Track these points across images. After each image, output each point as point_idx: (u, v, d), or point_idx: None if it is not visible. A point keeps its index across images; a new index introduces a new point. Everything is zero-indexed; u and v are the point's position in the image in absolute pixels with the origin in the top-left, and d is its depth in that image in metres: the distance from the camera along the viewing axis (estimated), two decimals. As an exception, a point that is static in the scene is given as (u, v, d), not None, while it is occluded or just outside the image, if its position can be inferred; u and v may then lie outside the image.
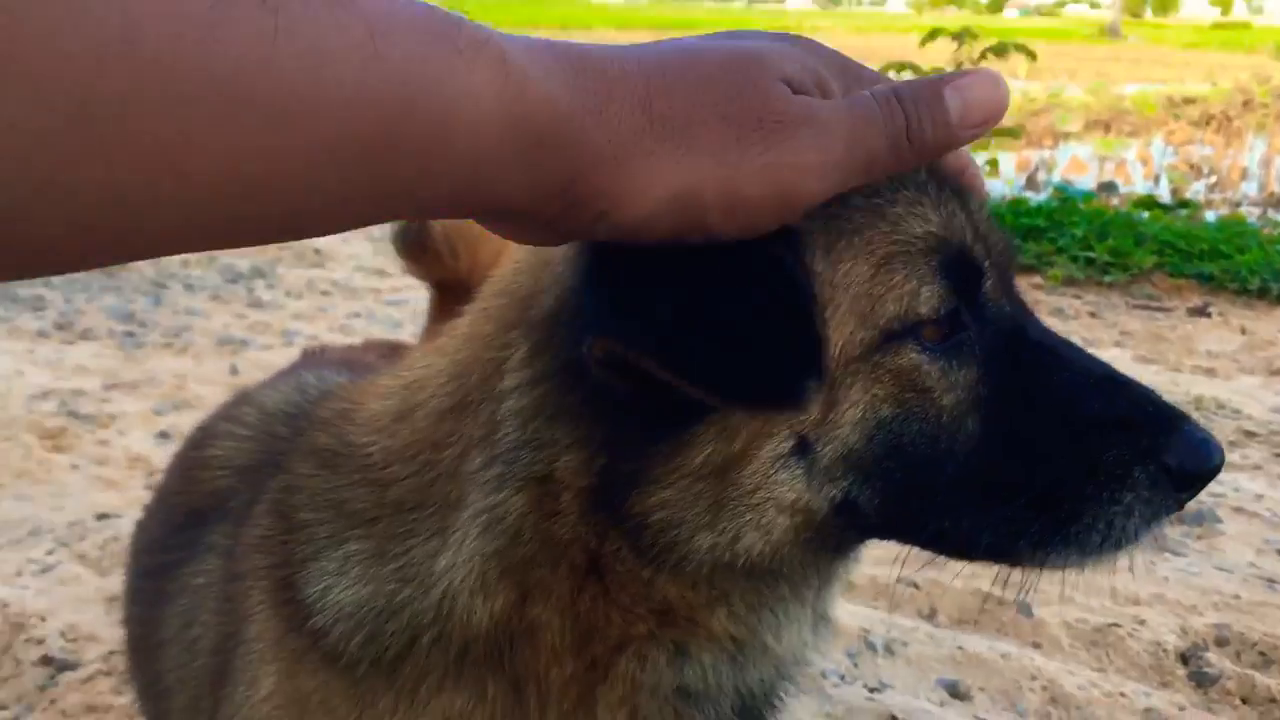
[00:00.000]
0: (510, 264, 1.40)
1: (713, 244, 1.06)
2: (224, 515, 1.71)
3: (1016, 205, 9.87)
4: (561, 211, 0.99)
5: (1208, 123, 19.18)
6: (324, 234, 0.96)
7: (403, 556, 1.35)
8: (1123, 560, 1.26)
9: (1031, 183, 13.51)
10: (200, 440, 1.95)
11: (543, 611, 1.29)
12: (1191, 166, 15.66)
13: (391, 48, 0.86)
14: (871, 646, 3.56)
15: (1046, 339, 1.31)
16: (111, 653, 3.33)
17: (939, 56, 11.55)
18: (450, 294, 2.41)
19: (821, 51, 1.11)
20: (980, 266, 1.28)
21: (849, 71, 1.12)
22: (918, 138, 1.07)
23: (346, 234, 9.36)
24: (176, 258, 8.21)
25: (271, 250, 8.65)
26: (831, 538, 1.27)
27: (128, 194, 0.76)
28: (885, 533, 1.29)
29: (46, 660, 3.33)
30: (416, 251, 2.45)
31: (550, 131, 0.93)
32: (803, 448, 1.20)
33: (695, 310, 1.10)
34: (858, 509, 1.24)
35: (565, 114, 0.94)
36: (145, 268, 7.97)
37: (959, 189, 1.31)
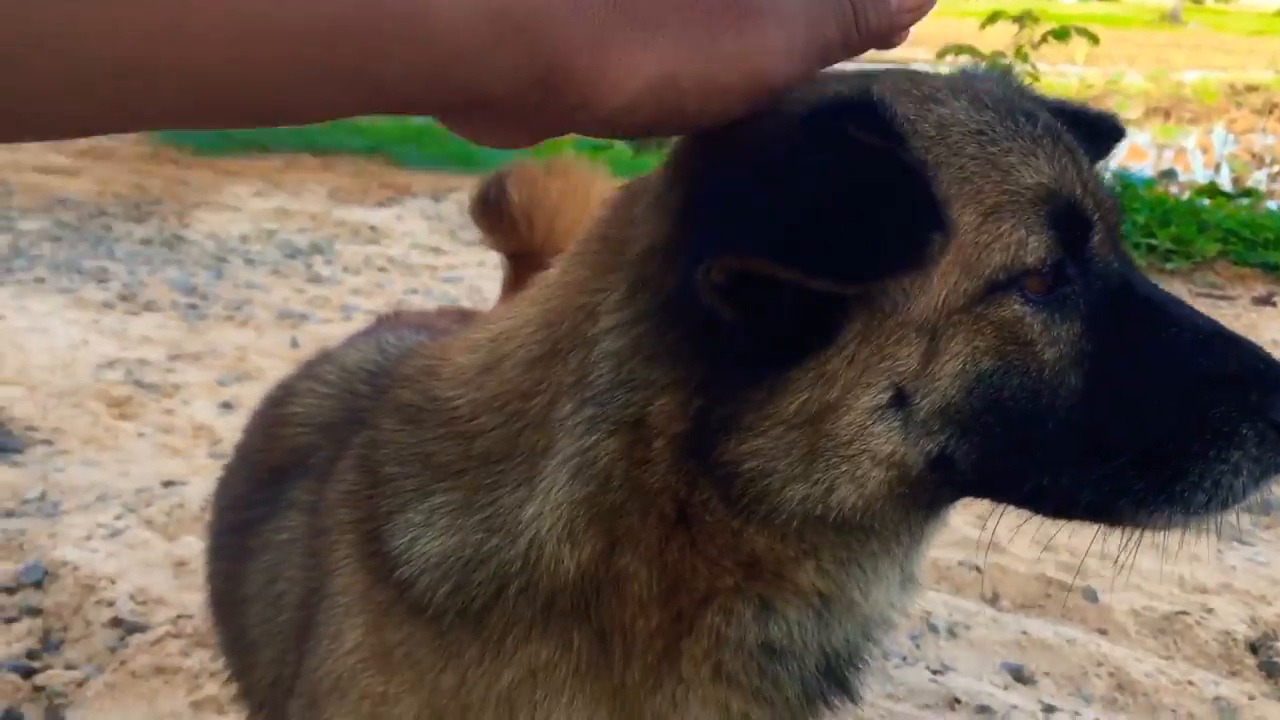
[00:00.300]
0: (598, 212, 1.40)
1: (794, 141, 1.10)
2: (306, 471, 1.72)
3: (1076, 191, 9.72)
4: (539, 102, 1.01)
5: (1270, 111, 18.82)
6: (303, 120, 0.97)
7: (489, 507, 1.35)
8: (1215, 527, 1.23)
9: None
10: (281, 398, 1.97)
11: (630, 561, 1.29)
12: (1253, 155, 15.40)
13: None
14: (934, 629, 3.53)
15: (1154, 294, 1.29)
16: (180, 616, 3.38)
17: (999, 40, 11.41)
18: (524, 265, 2.42)
19: None
20: (1089, 219, 1.26)
21: None
22: (864, 26, 1.14)
23: (402, 213, 9.44)
24: (236, 234, 8.31)
25: (329, 227, 8.73)
26: (925, 494, 1.26)
27: (128, 51, 0.80)
28: (981, 490, 1.28)
29: (116, 622, 3.38)
30: (493, 220, 2.45)
31: (528, 19, 0.96)
32: (900, 399, 1.18)
33: (805, 200, 1.10)
34: (953, 464, 1.22)
35: (543, 2, 0.97)
36: (206, 242, 8.06)
37: (1072, 145, 1.29)
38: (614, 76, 1.01)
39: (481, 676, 1.38)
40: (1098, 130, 1.45)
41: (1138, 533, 1.26)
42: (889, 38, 1.18)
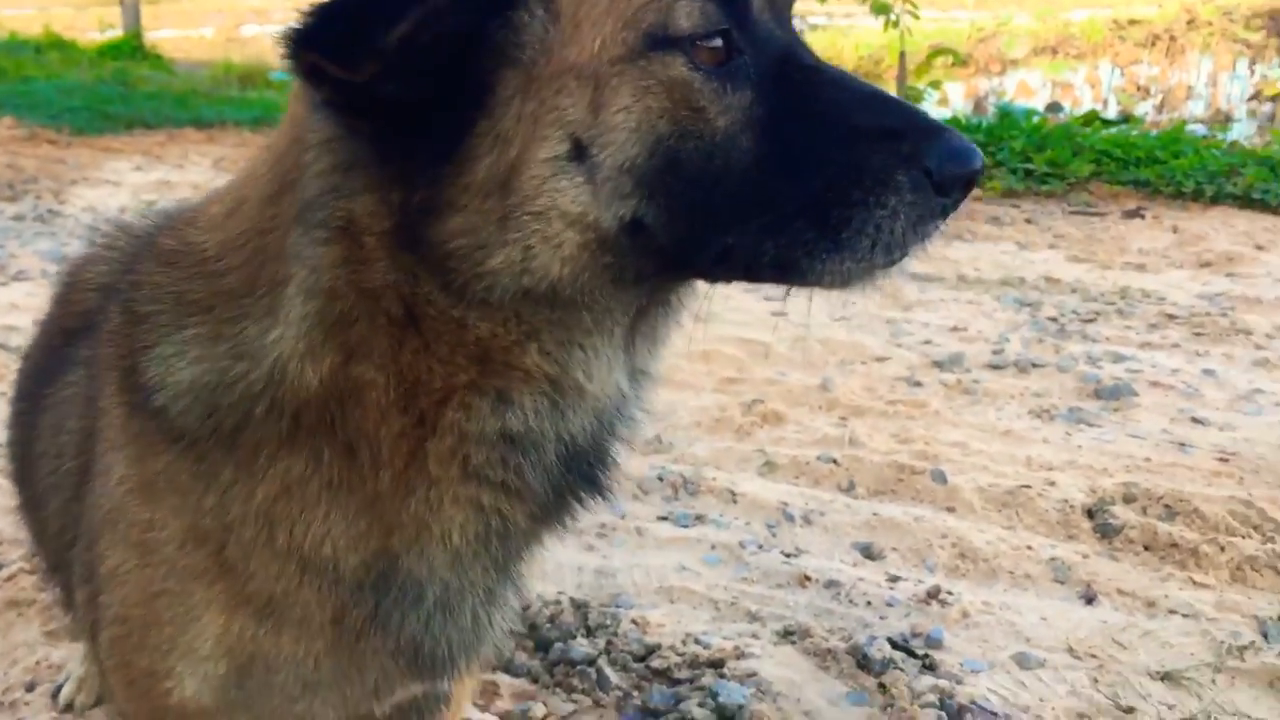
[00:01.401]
0: None
1: None
2: (90, 331, 1.77)
3: (955, 123, 9.91)
4: None
5: (1154, 43, 19.26)
6: None
7: (236, 337, 1.42)
8: (897, 268, 1.32)
9: (979, 107, 13.55)
10: (75, 268, 2.04)
11: (367, 370, 1.36)
12: (1139, 87, 15.73)
13: None
14: (790, 517, 3.64)
15: (819, 63, 1.37)
16: (34, 555, 3.36)
17: (880, -18, 11.52)
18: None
19: None
20: None
21: None
22: None
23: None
24: (114, 206, 8.17)
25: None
26: (629, 264, 1.33)
27: None
28: (677, 259, 1.35)
29: (-28, 565, 3.36)
30: None
31: None
32: (579, 151, 1.25)
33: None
34: (646, 228, 1.29)
35: None
36: (82, 216, 7.91)
37: None
38: None
39: (238, 495, 1.44)
40: None
41: (820, 290, 1.35)
42: None
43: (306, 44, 1.18)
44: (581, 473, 1.49)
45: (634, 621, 3.04)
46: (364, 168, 1.29)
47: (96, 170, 9.54)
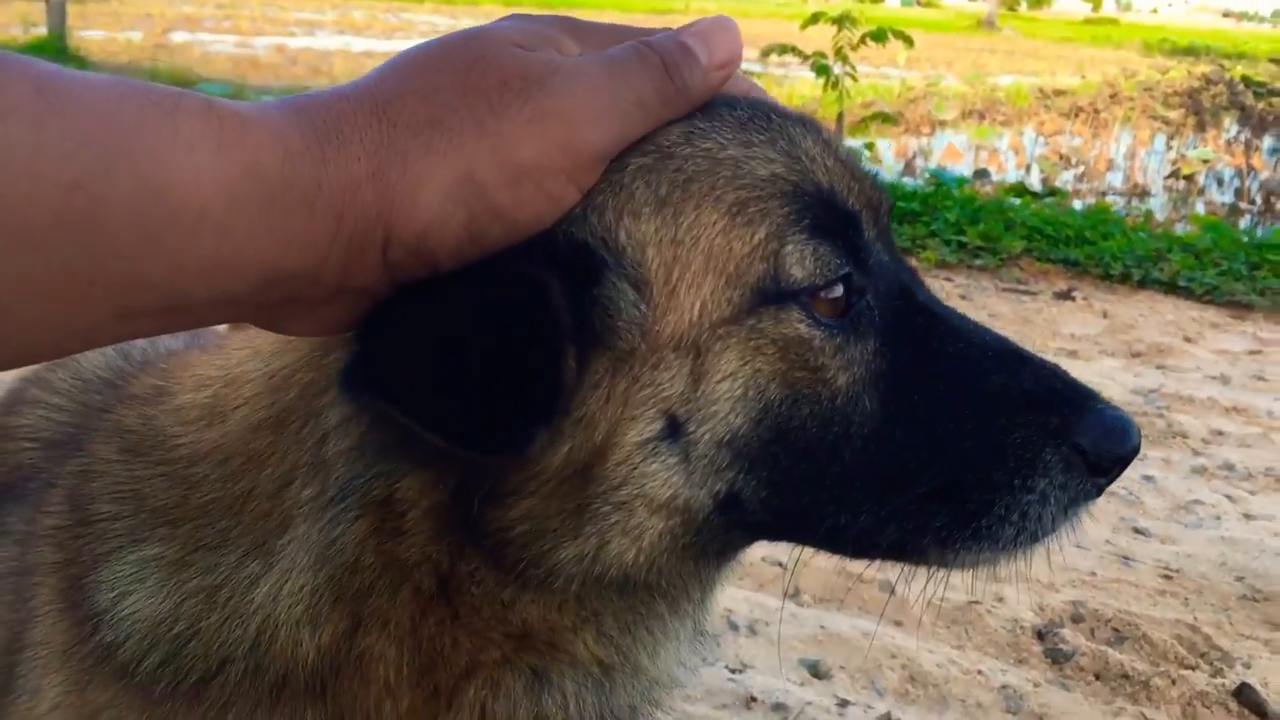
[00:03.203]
0: None
1: (470, 275, 0.97)
2: (25, 495, 1.53)
3: (893, 190, 9.98)
4: (345, 259, 0.90)
5: (1077, 114, 19.75)
6: (37, 355, 0.83)
7: (210, 573, 1.19)
8: (1039, 552, 1.15)
9: (910, 168, 13.72)
10: (9, 405, 1.72)
11: (376, 641, 1.14)
12: (1061, 156, 16.10)
13: (70, 104, 0.75)
14: (734, 627, 3.51)
15: (934, 304, 1.20)
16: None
17: (820, 41, 11.63)
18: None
19: (545, 18, 1.07)
20: (853, 211, 1.15)
21: (581, 29, 1.08)
22: (680, 80, 1.04)
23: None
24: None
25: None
26: (715, 541, 1.14)
27: None
28: (775, 531, 1.17)
29: None
30: None
31: (291, 173, 0.85)
32: (674, 429, 1.06)
33: (428, 357, 0.99)
34: (743, 505, 1.10)
35: (300, 150, 0.86)
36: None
37: (796, 117, 1.19)
38: (406, 197, 0.90)
39: None
40: None
41: (947, 572, 1.17)
42: (709, 94, 1.10)
43: (392, 401, 1.00)
44: None
45: (575, 746, 2.88)
46: (408, 450, 1.09)
47: None
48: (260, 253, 0.85)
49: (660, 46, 1.04)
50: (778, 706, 3.13)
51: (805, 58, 11.69)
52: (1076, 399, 1.14)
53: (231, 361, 1.30)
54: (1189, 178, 14.79)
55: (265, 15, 34.68)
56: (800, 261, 1.08)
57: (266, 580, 1.16)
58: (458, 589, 1.13)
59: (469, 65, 0.94)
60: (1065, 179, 14.26)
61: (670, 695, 1.35)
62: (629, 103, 1.00)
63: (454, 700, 1.17)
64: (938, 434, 1.11)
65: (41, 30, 18.36)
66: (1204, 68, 28.23)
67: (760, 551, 3.90)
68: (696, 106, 1.10)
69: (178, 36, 24.76)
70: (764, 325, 1.08)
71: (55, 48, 17.18)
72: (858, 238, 1.14)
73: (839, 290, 1.11)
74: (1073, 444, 1.11)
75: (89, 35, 21.48)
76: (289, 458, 1.16)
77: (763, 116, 1.16)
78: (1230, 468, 4.95)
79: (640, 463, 1.06)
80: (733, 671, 3.29)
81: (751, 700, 3.15)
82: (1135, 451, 1.14)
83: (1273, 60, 29.43)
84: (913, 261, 8.56)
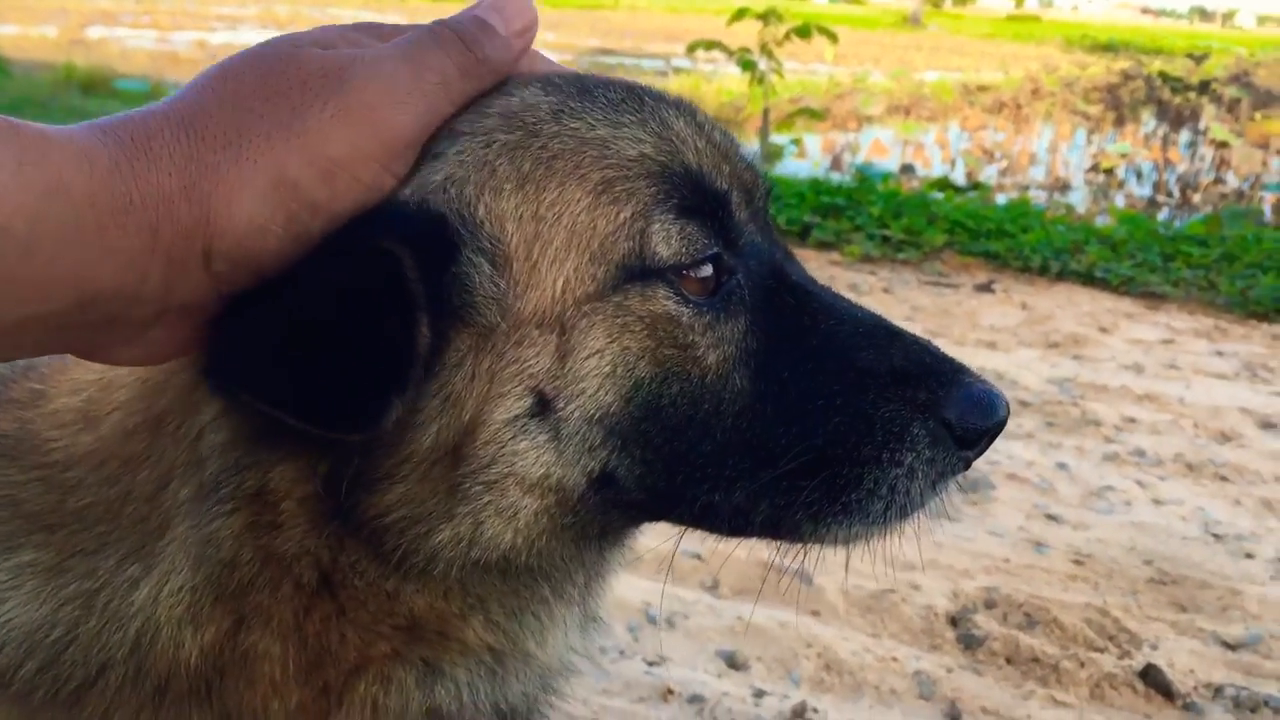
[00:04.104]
0: None
1: (320, 251, 0.98)
2: None
3: (817, 185, 10.07)
4: (167, 273, 0.90)
5: (1000, 110, 20.06)
6: None
7: (88, 578, 1.16)
8: (907, 527, 1.17)
9: (837, 164, 13.84)
10: None
11: (260, 639, 1.13)
12: (985, 151, 16.34)
13: None
14: (652, 620, 3.51)
15: (809, 283, 1.21)
16: None
17: (745, 36, 11.69)
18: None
19: (342, 26, 1.10)
20: (722, 192, 1.16)
21: (384, 29, 1.10)
22: (480, 53, 1.07)
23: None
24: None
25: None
26: (593, 522, 1.14)
27: None
28: (653, 511, 1.18)
29: None
30: None
31: (99, 190, 0.86)
32: (543, 405, 1.07)
33: (280, 338, 0.99)
34: (618, 482, 1.11)
35: (108, 167, 0.87)
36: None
37: (672, 101, 1.20)
38: (220, 206, 0.91)
39: None
40: None
41: (820, 548, 1.19)
42: (512, 64, 1.12)
43: (249, 389, 0.99)
44: None
45: (489, 743, 2.87)
46: (276, 441, 1.07)
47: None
48: (71, 271, 0.84)
49: (456, 24, 1.06)
50: (694, 698, 3.13)
51: (731, 54, 11.75)
52: (945, 373, 1.15)
53: (103, 373, 1.28)
54: (1109, 172, 15.08)
55: (185, 10, 34.08)
56: (666, 240, 1.09)
57: (146, 583, 1.13)
58: (341, 582, 1.11)
59: (270, 71, 0.96)
60: (989, 174, 14.48)
61: (568, 683, 1.35)
62: (431, 83, 1.02)
63: (344, 697, 1.15)
64: (808, 410, 1.12)
65: (-48, 25, 17.88)
66: (1123, 63, 28.81)
67: (679, 544, 3.91)
68: (501, 77, 1.12)
69: (95, 32, 24.24)
70: (630, 302, 1.08)
71: (-34, 43, 16.75)
72: (727, 218, 1.15)
73: (708, 270, 1.12)
74: (940, 418, 1.12)
75: (2, 31, 20.95)
76: (166, 458, 1.15)
77: (635, 98, 1.17)
78: (1141, 454, 5.05)
79: (509, 441, 1.06)
80: (650, 664, 3.29)
81: (669, 693, 3.16)
82: (1001, 424, 1.15)
83: (1189, 56, 30.11)
84: (837, 255, 8.65)
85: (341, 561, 1.11)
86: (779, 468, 1.11)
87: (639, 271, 1.08)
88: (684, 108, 1.21)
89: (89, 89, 14.99)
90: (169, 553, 1.13)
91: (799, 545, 1.19)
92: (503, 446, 1.06)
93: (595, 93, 1.15)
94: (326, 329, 0.98)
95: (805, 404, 1.13)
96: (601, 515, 1.15)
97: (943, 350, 1.19)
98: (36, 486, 1.22)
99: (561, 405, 1.07)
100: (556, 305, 1.07)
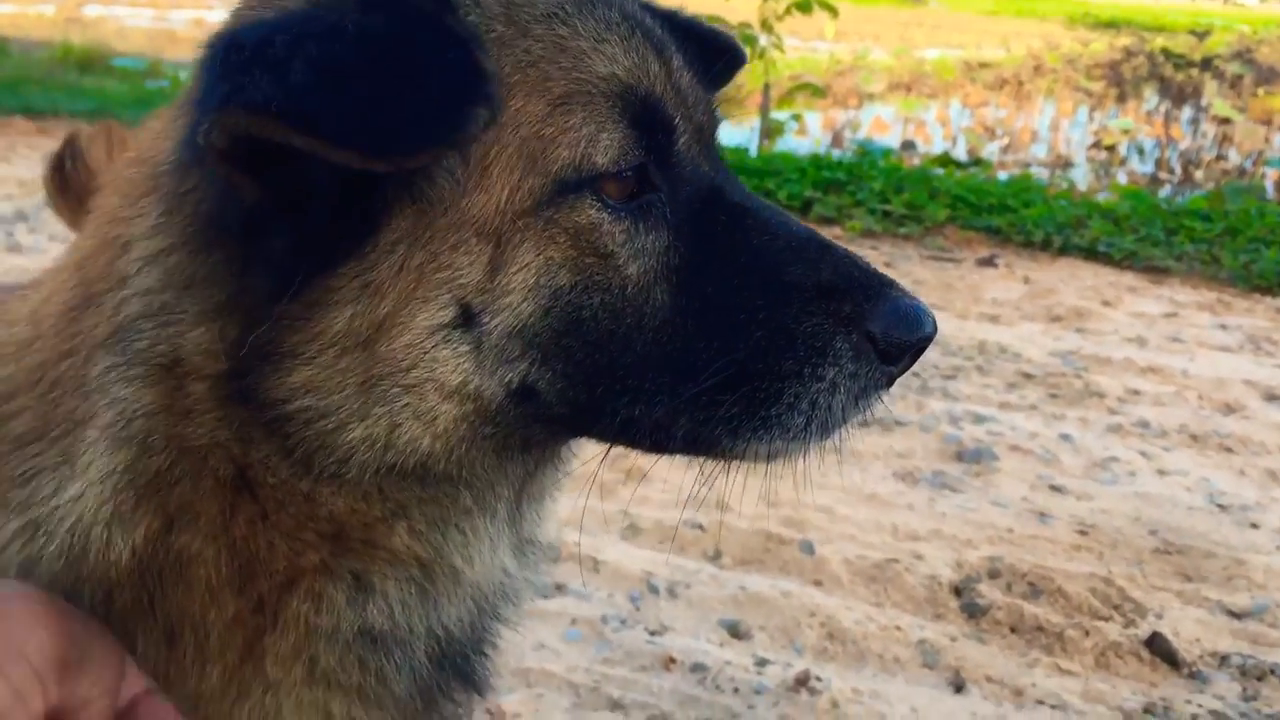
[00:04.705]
0: (149, 130, 1.20)
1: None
2: None
3: (818, 161, 10.01)
4: None
5: (1002, 87, 19.94)
6: None
7: (25, 503, 1.13)
8: (828, 444, 1.15)
9: (837, 140, 13.77)
10: None
11: (193, 540, 1.10)
12: (986, 128, 16.24)
13: None
14: (654, 589, 3.49)
15: (748, 201, 1.20)
16: None
17: (746, 10, 11.60)
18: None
19: None
20: (671, 120, 1.17)
21: None
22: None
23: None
24: (-72, 201, 7.55)
25: (39, 193, 8.02)
26: (515, 434, 1.13)
27: None
28: (573, 425, 1.17)
29: None
30: (68, 191, 1.96)
31: None
32: (467, 318, 1.05)
33: (328, 57, 0.94)
34: (538, 395, 1.10)
35: None
36: (-110, 211, 7.29)
37: (660, 41, 1.20)
38: None
39: None
40: (712, 48, 1.35)
41: (742, 465, 1.18)
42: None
43: (252, 107, 0.91)
44: (455, 668, 1.26)
45: (489, 712, 2.85)
46: (201, 290, 1.05)
47: (-90, 159, 8.83)
48: None
49: None
50: (697, 667, 3.11)
51: (731, 28, 11.65)
52: (872, 287, 1.14)
53: (46, 281, 1.25)
54: (1111, 148, 15.01)
55: (184, -11, 33.88)
56: (606, 150, 1.08)
57: (73, 481, 1.11)
58: (256, 480, 1.10)
59: None
60: (991, 150, 14.40)
61: (516, 611, 1.32)
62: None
63: (278, 615, 1.13)
64: (729, 325, 1.12)
65: (-52, 3, 17.76)
66: (1125, 40, 28.64)
67: (681, 514, 3.88)
68: None
69: (91, 10, 24.10)
70: (559, 215, 1.08)
71: (-38, 21, 16.64)
72: (668, 142, 1.15)
73: (630, 177, 1.12)
74: (864, 331, 1.11)
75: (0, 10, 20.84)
76: (89, 335, 1.11)
77: (631, 24, 1.17)
78: (1145, 425, 5.02)
79: (431, 348, 1.05)
80: (652, 634, 3.27)
81: (671, 661, 3.13)
82: (927, 339, 1.14)
83: (1191, 33, 29.97)
84: (838, 230, 8.60)
85: (254, 457, 1.09)
86: (700, 383, 1.10)
87: (573, 184, 1.08)
88: (661, 49, 1.21)
89: (86, 67, 14.89)
90: (89, 438, 1.10)
91: (719, 461, 1.17)
92: (425, 352, 1.05)
93: (598, 4, 1.16)
94: (377, 55, 0.96)
95: (727, 319, 1.12)
96: (522, 428, 1.14)
97: (873, 267, 1.18)
98: None
99: (486, 320, 1.06)
100: (498, 217, 1.06)
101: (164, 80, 14.77)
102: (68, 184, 1.96)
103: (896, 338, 1.12)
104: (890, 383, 1.15)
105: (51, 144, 7.53)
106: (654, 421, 1.13)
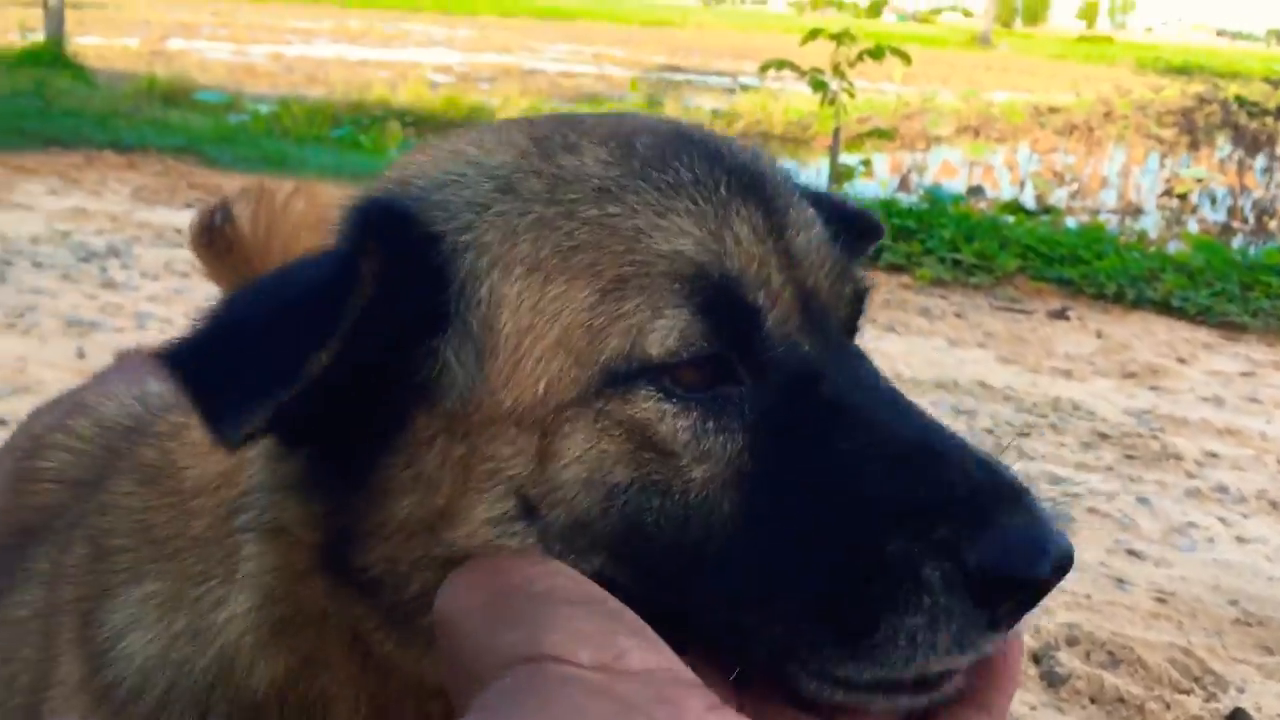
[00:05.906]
0: None
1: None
2: (49, 535, 1.53)
3: (888, 206, 10.04)
4: None
5: (1071, 132, 19.85)
6: None
7: (196, 603, 1.19)
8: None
9: (905, 184, 13.79)
10: (31, 450, 1.73)
11: (330, 682, 1.14)
12: (1055, 174, 16.19)
13: None
14: None
15: (849, 395, 1.01)
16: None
17: (818, 57, 11.69)
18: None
19: None
20: (754, 304, 1.01)
21: None
22: None
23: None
24: (26, 235, 7.82)
25: (129, 229, 8.30)
26: None
27: None
28: (668, 624, 0.96)
29: None
30: (218, 249, 2.05)
31: None
32: (527, 509, 0.98)
33: (217, 330, 0.99)
34: (619, 587, 0.96)
35: None
36: (-10, 243, 7.57)
37: (762, 194, 1.07)
38: None
39: None
40: (854, 227, 1.22)
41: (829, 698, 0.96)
42: None
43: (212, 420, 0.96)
44: None
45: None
46: (301, 476, 1.09)
47: (8, 192, 9.14)
48: None
49: None
50: None
51: (802, 73, 11.75)
52: (981, 506, 0.92)
53: None
54: (1183, 196, 14.89)
55: (261, 23, 34.71)
56: (662, 339, 0.96)
57: (228, 603, 1.16)
58: (373, 643, 1.10)
59: None
60: (1059, 196, 14.35)
61: None
62: None
63: None
64: (802, 543, 0.94)
65: (39, 36, 18.36)
66: (1198, 86, 28.41)
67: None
68: None
69: (174, 43, 24.79)
70: (611, 406, 0.98)
71: (53, 53, 17.20)
72: (750, 326, 1.01)
73: (703, 364, 0.99)
74: (959, 560, 0.89)
75: (86, 41, 21.50)
76: (239, 482, 1.18)
77: (708, 183, 1.05)
78: (1224, 490, 5.00)
79: (494, 539, 0.99)
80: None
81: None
82: (1044, 581, 0.90)
83: (1267, 80, 29.60)
84: (907, 279, 8.61)
85: (365, 626, 1.09)
86: (783, 605, 0.94)
87: (623, 374, 0.97)
88: (766, 202, 1.08)
89: (170, 100, 15.34)
90: (237, 576, 1.16)
91: (811, 696, 0.96)
92: (488, 542, 0.99)
93: (665, 167, 1.05)
94: (251, 327, 0.99)
95: (800, 536, 0.95)
96: None
97: (1003, 471, 0.96)
98: (167, 512, 1.26)
99: (545, 511, 0.98)
100: (538, 408, 0.98)
101: (245, 114, 15.18)
102: (214, 240, 2.05)
103: (997, 573, 0.89)
104: (998, 630, 0.92)
105: (141, 179, 7.87)
106: (742, 638, 0.97)
